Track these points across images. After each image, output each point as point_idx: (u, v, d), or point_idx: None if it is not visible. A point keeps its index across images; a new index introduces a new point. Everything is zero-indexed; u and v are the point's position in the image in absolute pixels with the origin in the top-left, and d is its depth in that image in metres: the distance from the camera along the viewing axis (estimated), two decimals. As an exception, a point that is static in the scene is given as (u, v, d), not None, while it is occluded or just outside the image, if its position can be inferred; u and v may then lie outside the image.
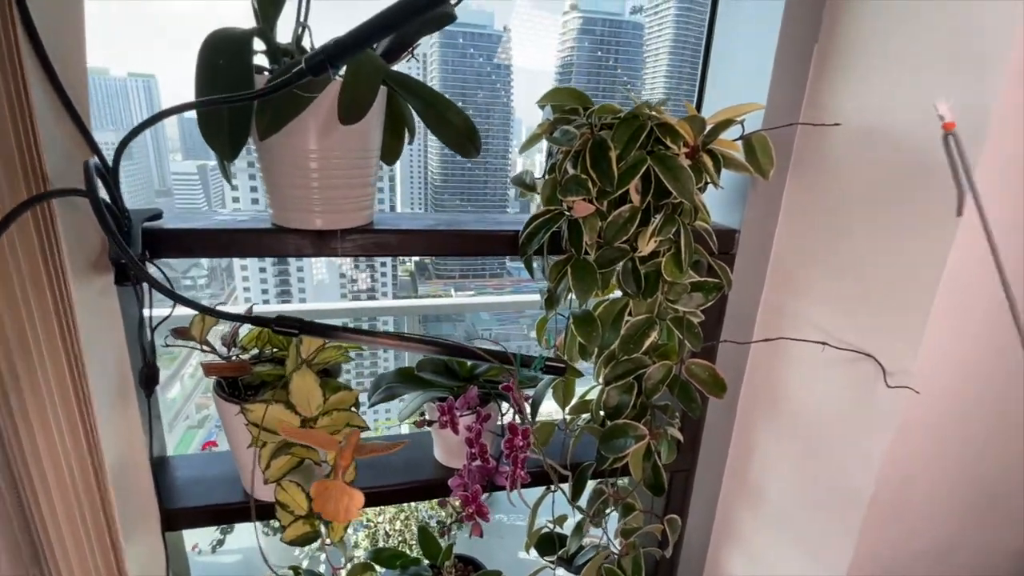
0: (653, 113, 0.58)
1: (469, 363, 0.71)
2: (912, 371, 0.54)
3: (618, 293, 0.65)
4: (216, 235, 0.55)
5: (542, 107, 0.67)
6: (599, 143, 0.58)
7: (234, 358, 0.63)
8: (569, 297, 0.63)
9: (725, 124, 0.59)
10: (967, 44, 0.48)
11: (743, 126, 0.59)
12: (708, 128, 0.59)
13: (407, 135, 0.66)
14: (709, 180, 0.60)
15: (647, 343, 0.63)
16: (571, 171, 0.61)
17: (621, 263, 0.61)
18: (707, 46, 0.71)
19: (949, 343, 0.54)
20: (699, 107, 0.74)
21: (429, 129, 0.62)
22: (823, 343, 0.62)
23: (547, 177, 0.63)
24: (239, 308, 0.59)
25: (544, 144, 0.66)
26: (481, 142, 0.64)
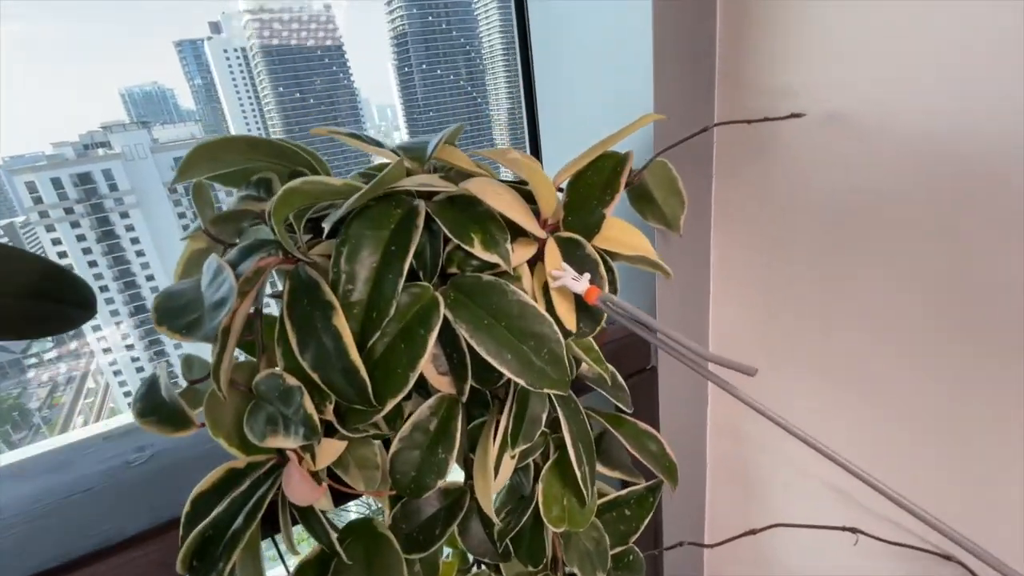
0: (422, 183, 0.23)
1: None
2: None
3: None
4: None
5: (183, 183, 0.29)
6: (307, 288, 0.22)
7: None
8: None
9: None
10: None
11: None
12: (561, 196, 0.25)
13: None
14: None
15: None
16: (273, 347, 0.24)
17: (453, 527, 0.27)
18: (523, 40, 0.36)
19: None
20: (534, 143, 0.38)
21: None
22: (853, 530, 0.33)
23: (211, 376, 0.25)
24: None
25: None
26: (94, 297, 0.25)
